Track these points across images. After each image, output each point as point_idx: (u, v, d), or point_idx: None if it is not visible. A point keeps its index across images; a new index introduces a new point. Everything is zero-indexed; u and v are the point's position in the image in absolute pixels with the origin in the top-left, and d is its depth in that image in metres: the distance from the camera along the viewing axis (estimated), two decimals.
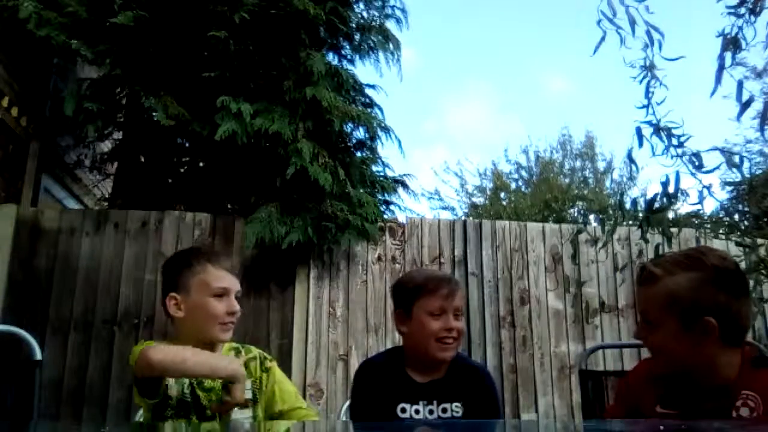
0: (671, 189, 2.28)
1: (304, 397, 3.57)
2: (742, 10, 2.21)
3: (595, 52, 2.36)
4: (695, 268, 1.30)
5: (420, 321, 1.67)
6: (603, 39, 2.33)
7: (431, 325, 1.65)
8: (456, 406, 1.68)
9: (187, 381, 1.63)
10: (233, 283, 1.68)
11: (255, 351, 1.78)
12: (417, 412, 1.66)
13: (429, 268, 4.02)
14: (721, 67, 2.15)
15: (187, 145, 4.70)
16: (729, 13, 2.25)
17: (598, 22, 2.31)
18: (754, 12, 2.19)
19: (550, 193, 12.93)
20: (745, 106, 2.08)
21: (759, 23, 2.20)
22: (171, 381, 1.60)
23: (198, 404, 1.62)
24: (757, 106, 2.05)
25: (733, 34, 2.21)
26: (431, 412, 1.67)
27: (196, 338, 1.62)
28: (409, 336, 1.72)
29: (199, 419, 1.60)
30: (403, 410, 1.66)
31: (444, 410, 1.67)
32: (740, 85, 2.09)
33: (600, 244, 4.03)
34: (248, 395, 1.61)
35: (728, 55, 2.18)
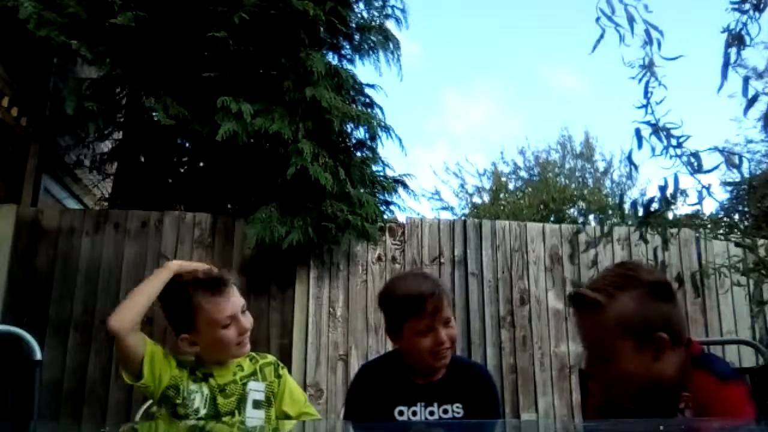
0: (669, 191, 2.27)
1: None
2: (747, 6, 2.21)
3: (593, 50, 2.37)
4: (633, 286, 1.31)
5: (411, 341, 1.65)
6: (602, 37, 2.34)
7: (422, 344, 1.63)
8: (457, 407, 1.67)
9: (207, 391, 1.66)
10: (237, 305, 1.68)
11: (270, 357, 1.83)
12: (414, 414, 1.65)
13: (420, 270, 3.88)
14: (726, 63, 2.15)
15: (187, 145, 4.69)
16: (733, 9, 2.25)
17: (597, 19, 2.31)
18: (758, 8, 2.19)
19: (547, 193, 12.91)
20: (751, 101, 2.08)
21: (763, 19, 2.20)
22: (192, 388, 1.64)
23: (217, 411, 1.65)
24: (761, 107, 2.05)
25: (737, 30, 2.21)
26: (431, 413, 1.66)
27: (215, 360, 1.70)
28: (403, 349, 1.71)
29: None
30: (401, 413, 1.65)
31: (445, 411, 1.66)
32: (746, 80, 2.09)
33: (597, 247, 4.02)
34: (261, 397, 1.69)
35: (733, 51, 2.18)
